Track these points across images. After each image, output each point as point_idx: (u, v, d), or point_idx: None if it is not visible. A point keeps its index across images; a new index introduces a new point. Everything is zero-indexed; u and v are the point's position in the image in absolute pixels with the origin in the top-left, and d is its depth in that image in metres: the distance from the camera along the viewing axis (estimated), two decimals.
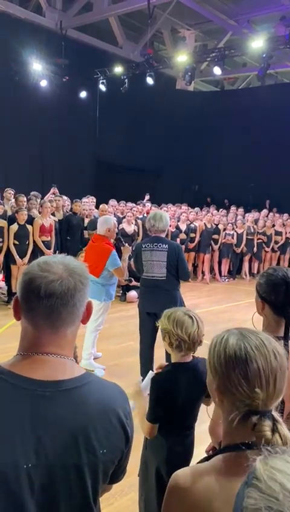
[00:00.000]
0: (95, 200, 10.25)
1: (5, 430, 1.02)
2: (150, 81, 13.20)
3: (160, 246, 4.45)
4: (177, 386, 2.20)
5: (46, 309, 1.10)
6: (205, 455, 2.08)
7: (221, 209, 13.62)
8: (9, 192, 9.07)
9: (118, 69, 13.87)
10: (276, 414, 1.03)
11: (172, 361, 2.30)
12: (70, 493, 1.05)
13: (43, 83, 13.61)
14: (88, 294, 1.19)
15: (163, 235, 4.58)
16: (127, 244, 5.45)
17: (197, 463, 1.18)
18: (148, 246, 4.51)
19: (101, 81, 14.42)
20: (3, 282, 8.60)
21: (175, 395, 2.19)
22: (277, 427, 1.00)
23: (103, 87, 14.49)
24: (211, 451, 2.07)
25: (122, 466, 1.21)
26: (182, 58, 12.97)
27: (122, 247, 5.30)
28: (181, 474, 1.11)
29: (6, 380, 1.06)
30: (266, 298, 1.95)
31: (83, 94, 14.92)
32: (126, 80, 13.75)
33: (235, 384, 1.06)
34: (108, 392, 1.17)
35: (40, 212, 8.51)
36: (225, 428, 1.13)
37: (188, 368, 2.25)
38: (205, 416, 1.84)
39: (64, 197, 9.85)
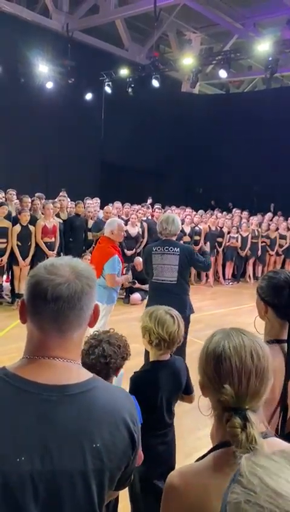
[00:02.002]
0: (99, 202, 10.27)
1: (9, 435, 1.00)
2: (155, 83, 13.24)
3: (171, 249, 4.36)
4: (157, 384, 2.21)
5: (52, 312, 1.09)
6: None
7: (224, 212, 13.61)
8: (11, 193, 9.04)
9: (124, 72, 13.91)
10: (252, 415, 1.05)
11: (150, 360, 2.31)
12: (75, 500, 1.03)
13: (49, 85, 13.67)
14: (95, 297, 1.18)
15: (174, 239, 4.51)
16: (131, 278, 5.74)
17: (195, 461, 1.20)
18: (159, 249, 4.42)
19: (106, 83, 14.48)
20: (8, 284, 8.61)
21: (156, 394, 2.20)
22: (247, 425, 1.03)
23: (108, 89, 14.54)
24: None
25: (128, 472, 1.19)
26: (187, 61, 12.99)
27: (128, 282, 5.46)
28: (175, 475, 1.14)
29: (11, 384, 1.05)
30: (268, 301, 1.93)
31: (89, 96, 14.98)
32: (132, 83, 13.78)
33: (211, 378, 1.13)
34: (115, 397, 1.15)
35: (42, 214, 8.54)
36: (215, 426, 1.17)
37: (166, 366, 2.27)
38: (208, 420, 1.82)
39: (68, 199, 9.88)
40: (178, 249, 4.39)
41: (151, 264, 4.45)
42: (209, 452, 1.15)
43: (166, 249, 4.39)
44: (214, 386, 1.11)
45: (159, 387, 2.21)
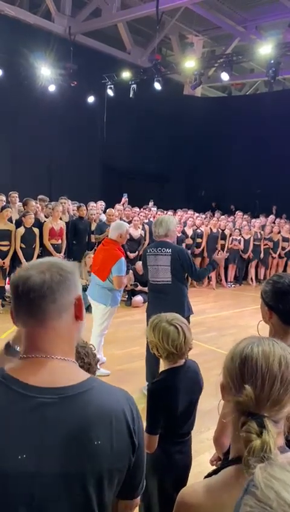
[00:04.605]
0: (104, 205, 10.30)
1: (5, 437, 0.99)
2: (157, 86, 13.22)
3: (163, 250, 4.43)
4: (175, 392, 2.17)
5: (26, 306, 1.11)
6: (209, 464, 2.06)
7: (225, 215, 13.59)
8: (14, 196, 9.03)
9: (126, 75, 13.91)
10: (271, 423, 1.00)
11: (164, 368, 2.27)
12: (73, 502, 1.02)
13: (51, 88, 13.69)
14: (74, 288, 1.16)
15: (168, 240, 4.54)
16: (133, 280, 5.57)
17: (205, 477, 1.14)
18: (152, 250, 4.51)
19: (108, 86, 14.48)
20: (9, 286, 8.60)
21: (174, 402, 2.16)
22: (263, 433, 0.97)
23: (110, 92, 14.55)
24: (215, 462, 2.04)
25: (137, 477, 1.16)
26: (189, 63, 12.99)
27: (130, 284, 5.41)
28: (189, 492, 1.08)
29: (8, 386, 1.05)
30: (273, 306, 1.91)
31: (91, 99, 14.99)
32: (134, 85, 13.79)
33: (233, 378, 1.08)
34: (113, 397, 1.13)
35: (46, 216, 8.52)
36: (232, 437, 1.11)
37: (182, 371, 2.22)
38: (211, 423, 1.82)
39: (70, 201, 9.89)
40: (170, 249, 4.43)
41: (146, 265, 4.54)
42: (221, 467, 1.10)
43: (159, 250, 4.46)
44: (235, 386, 1.06)
45: (177, 394, 2.15)
